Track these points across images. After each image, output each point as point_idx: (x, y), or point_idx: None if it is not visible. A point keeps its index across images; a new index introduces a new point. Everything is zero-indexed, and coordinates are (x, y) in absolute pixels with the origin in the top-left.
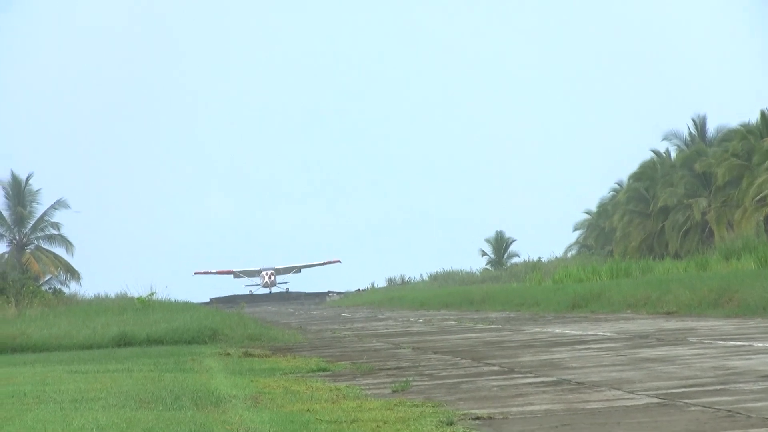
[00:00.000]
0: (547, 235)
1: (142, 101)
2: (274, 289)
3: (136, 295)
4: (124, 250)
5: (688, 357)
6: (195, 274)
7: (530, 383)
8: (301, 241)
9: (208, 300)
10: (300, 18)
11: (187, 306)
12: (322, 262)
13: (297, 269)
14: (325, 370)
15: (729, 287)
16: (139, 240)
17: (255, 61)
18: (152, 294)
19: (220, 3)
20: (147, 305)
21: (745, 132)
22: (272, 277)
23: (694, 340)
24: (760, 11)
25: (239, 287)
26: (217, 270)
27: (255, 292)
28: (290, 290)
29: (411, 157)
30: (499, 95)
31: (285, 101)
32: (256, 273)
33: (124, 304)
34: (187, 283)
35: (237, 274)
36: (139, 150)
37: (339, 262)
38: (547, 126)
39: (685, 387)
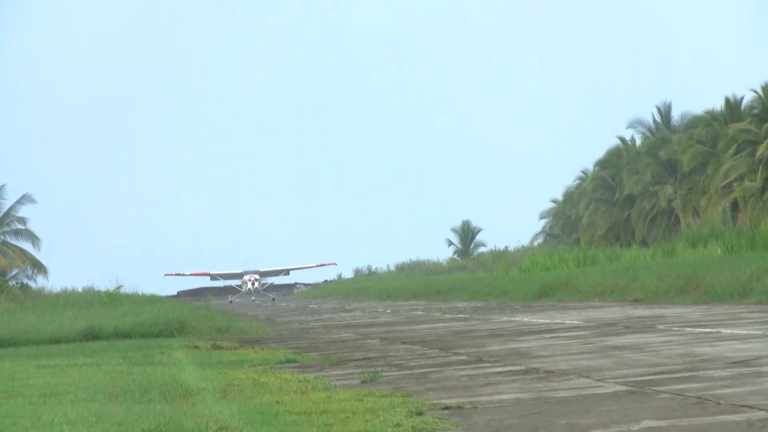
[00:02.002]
0: (514, 225)
1: (113, 95)
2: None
3: (103, 289)
4: (91, 244)
5: (656, 344)
6: (165, 275)
7: (499, 372)
8: (266, 235)
9: (176, 293)
10: (275, 19)
11: (154, 299)
12: (314, 264)
13: (285, 272)
14: (293, 361)
15: (696, 274)
16: (108, 235)
17: (230, 55)
18: (119, 288)
19: (197, 4)
20: (114, 299)
21: (710, 119)
22: (255, 283)
23: (662, 327)
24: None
25: (205, 281)
26: (192, 272)
27: (236, 300)
28: (275, 299)
29: (377, 148)
30: (463, 85)
31: (252, 99)
32: (237, 276)
33: (91, 298)
34: (156, 281)
35: (214, 277)
36: (109, 143)
37: (335, 264)
38: (511, 114)
39: (653, 374)
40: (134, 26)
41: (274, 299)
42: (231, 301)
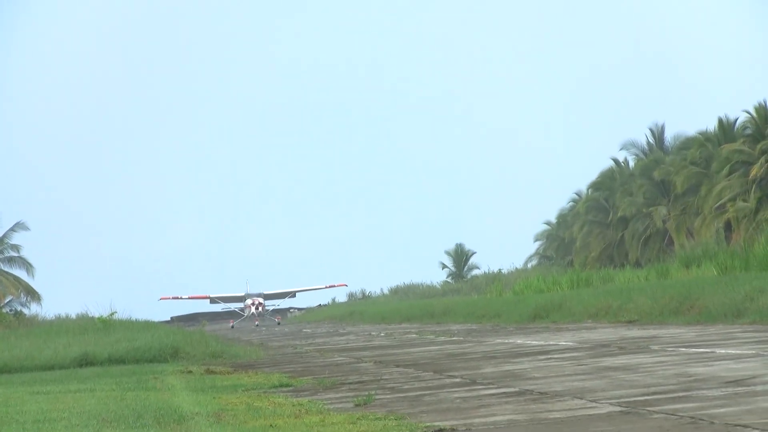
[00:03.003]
0: (507, 247)
1: (104, 119)
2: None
3: (97, 315)
4: (85, 271)
5: (650, 365)
6: (161, 299)
7: (493, 394)
8: (259, 257)
9: (169, 318)
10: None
11: (148, 325)
12: (324, 285)
13: (291, 294)
14: (287, 385)
15: (690, 294)
16: (102, 260)
17: (225, 74)
18: (113, 314)
19: (190, 28)
20: (108, 325)
21: (703, 140)
22: (259, 307)
23: (656, 347)
24: (718, 20)
25: (201, 305)
26: (190, 295)
27: (238, 325)
28: (280, 323)
29: (370, 171)
30: (456, 108)
31: (250, 120)
32: (239, 299)
33: (84, 324)
34: (152, 306)
35: (214, 300)
36: (102, 166)
37: (345, 285)
38: (505, 137)
39: (647, 395)
40: (127, 54)
41: (279, 323)
42: (233, 326)
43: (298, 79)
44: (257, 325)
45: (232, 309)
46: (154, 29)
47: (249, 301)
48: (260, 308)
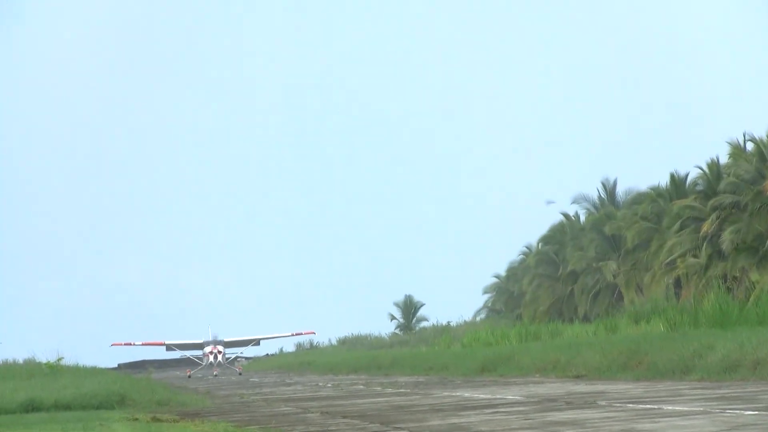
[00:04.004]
0: (456, 300)
1: (50, 150)
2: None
3: (44, 360)
4: (34, 315)
5: (597, 420)
6: (113, 345)
7: None
8: (209, 306)
9: (117, 365)
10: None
11: (95, 371)
12: (290, 333)
13: (255, 342)
14: None
15: (638, 350)
16: (51, 304)
17: (181, 112)
18: (60, 359)
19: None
20: (55, 370)
21: (655, 195)
22: (218, 356)
23: (603, 403)
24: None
25: (148, 351)
26: (143, 342)
27: (196, 374)
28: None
29: (319, 219)
30: (405, 156)
31: (200, 164)
32: (197, 346)
33: (31, 369)
34: (103, 352)
35: (170, 347)
36: (47, 205)
37: (313, 333)
38: (454, 188)
39: None
40: (123, 56)
41: (240, 374)
42: (189, 376)
43: (258, 128)
44: (216, 375)
45: (188, 357)
46: (154, 30)
47: (207, 349)
48: (219, 357)
